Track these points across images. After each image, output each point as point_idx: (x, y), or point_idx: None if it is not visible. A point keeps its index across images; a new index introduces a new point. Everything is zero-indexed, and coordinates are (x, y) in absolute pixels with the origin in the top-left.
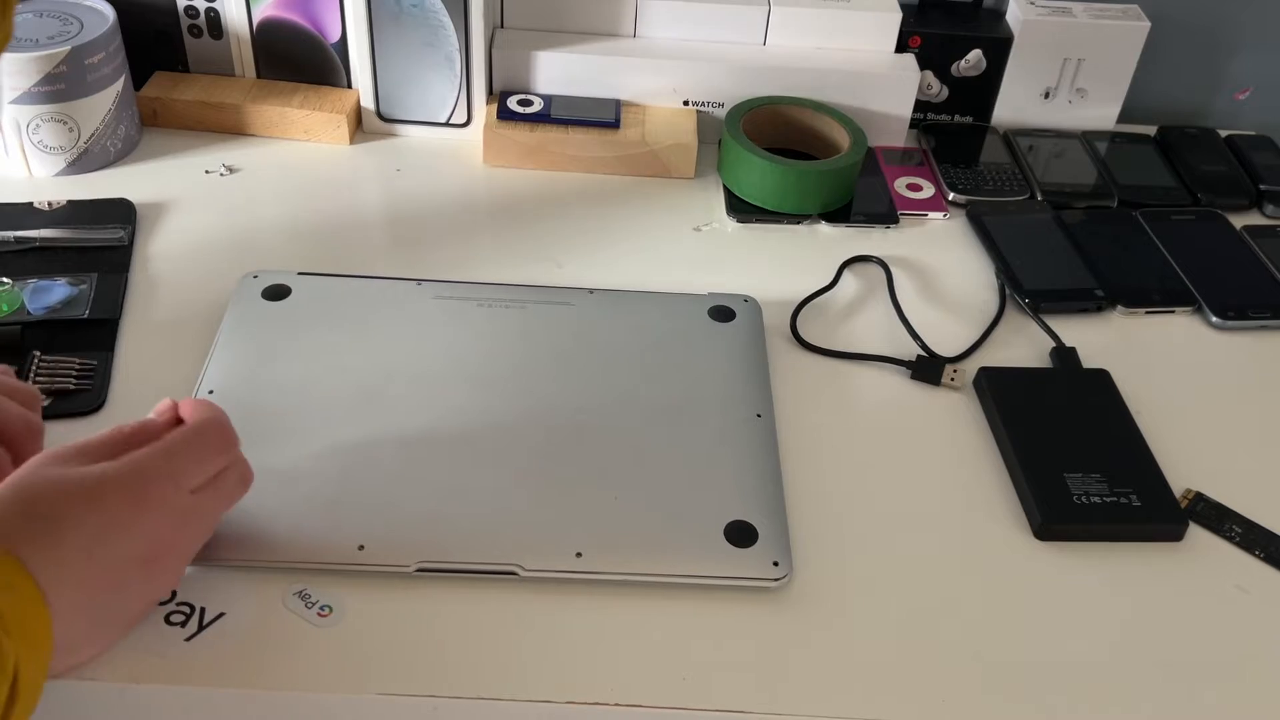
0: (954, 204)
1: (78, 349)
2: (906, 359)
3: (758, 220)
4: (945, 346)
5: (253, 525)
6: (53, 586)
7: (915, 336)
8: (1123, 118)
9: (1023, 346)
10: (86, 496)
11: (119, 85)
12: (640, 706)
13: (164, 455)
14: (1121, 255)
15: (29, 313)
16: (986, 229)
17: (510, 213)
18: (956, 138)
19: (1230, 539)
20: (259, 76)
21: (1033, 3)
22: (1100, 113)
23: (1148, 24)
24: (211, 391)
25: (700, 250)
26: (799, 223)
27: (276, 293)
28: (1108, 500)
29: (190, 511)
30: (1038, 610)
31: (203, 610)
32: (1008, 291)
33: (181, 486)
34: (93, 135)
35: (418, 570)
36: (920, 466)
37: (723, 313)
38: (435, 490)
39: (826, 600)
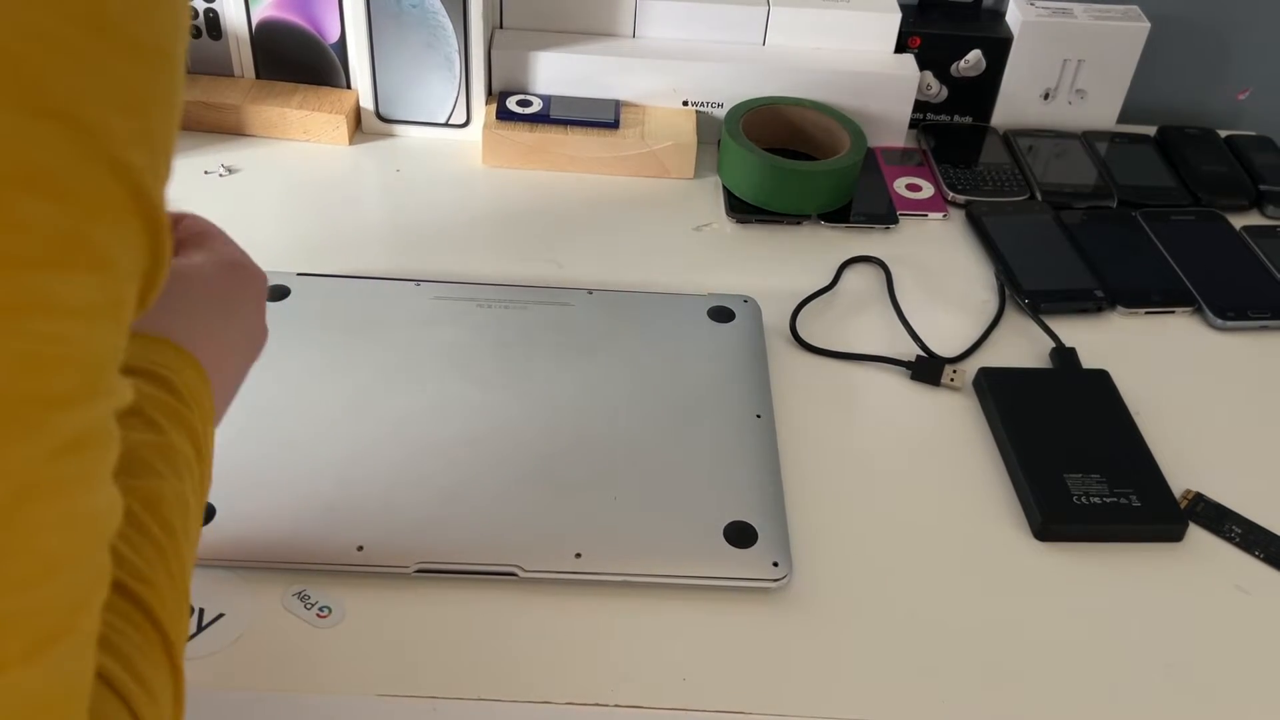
0: (953, 204)
1: None
2: (906, 359)
3: (757, 220)
4: (945, 347)
5: (252, 526)
6: (202, 353)
7: (915, 337)
8: (1123, 118)
9: (1022, 347)
10: (197, 279)
11: None
12: (640, 707)
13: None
14: (1121, 255)
15: None
16: (986, 229)
17: (509, 213)
18: (956, 138)
19: (1230, 539)
20: (258, 77)
21: (1033, 3)
22: (1100, 113)
23: (1148, 24)
24: None
25: (700, 250)
26: (798, 223)
27: (276, 293)
28: (1108, 500)
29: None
30: (1038, 610)
31: (202, 611)
32: (1007, 292)
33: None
34: None
35: (417, 571)
36: (920, 467)
37: (722, 313)
38: (434, 491)
39: (826, 600)
